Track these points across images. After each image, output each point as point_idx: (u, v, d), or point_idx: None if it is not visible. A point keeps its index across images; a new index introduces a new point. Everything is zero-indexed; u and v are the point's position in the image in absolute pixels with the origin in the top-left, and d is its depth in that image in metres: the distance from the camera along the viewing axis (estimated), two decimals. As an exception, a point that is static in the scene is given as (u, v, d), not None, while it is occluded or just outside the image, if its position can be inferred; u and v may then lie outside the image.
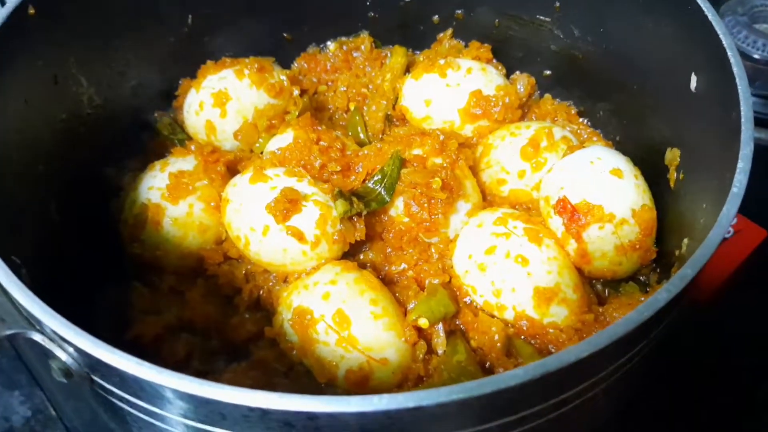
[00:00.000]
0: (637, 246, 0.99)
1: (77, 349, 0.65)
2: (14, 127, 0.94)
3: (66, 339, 0.64)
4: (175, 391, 0.59)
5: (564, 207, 1.03)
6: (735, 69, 0.84)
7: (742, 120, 0.79)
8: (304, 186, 1.04)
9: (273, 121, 1.19)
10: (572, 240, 1.02)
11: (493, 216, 1.05)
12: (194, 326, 1.00)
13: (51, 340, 0.69)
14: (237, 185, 1.06)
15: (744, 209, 1.20)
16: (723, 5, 1.55)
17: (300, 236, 1.00)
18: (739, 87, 0.82)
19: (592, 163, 1.04)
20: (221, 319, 1.03)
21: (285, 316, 0.98)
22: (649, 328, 0.67)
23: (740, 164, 0.75)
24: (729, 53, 0.85)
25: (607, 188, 1.01)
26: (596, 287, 1.07)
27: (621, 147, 1.21)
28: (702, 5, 0.91)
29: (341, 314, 0.93)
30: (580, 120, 1.29)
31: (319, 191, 1.04)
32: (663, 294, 0.64)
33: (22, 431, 1.14)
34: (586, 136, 1.26)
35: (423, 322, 0.97)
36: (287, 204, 1.00)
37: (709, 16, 0.89)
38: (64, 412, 1.16)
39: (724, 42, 0.86)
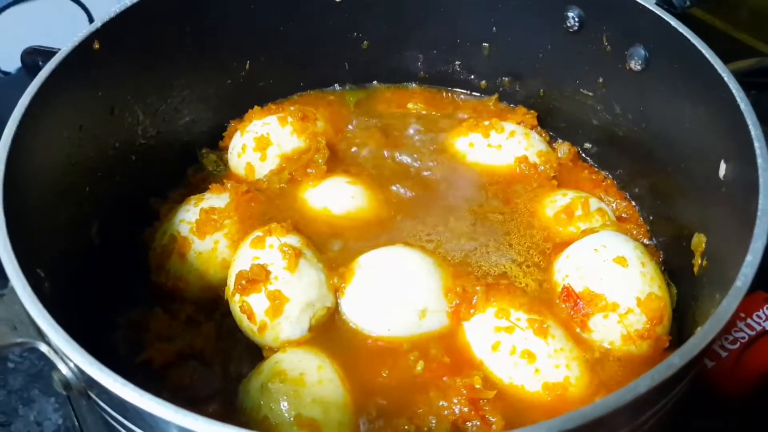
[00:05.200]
0: (645, 335, 0.97)
1: (75, 364, 0.69)
2: (66, 149, 1.01)
3: (65, 353, 0.68)
4: (151, 415, 0.62)
5: (568, 295, 1.02)
6: (759, 160, 0.82)
7: (759, 213, 0.77)
8: (280, 270, 1.01)
9: (294, 172, 1.22)
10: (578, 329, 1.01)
11: (492, 309, 1.02)
12: (204, 356, 1.02)
13: (55, 352, 0.73)
14: (247, 241, 1.07)
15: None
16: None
17: (250, 314, 0.99)
18: (761, 178, 0.80)
19: (597, 250, 1.03)
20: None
21: (254, 382, 0.95)
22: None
23: (749, 257, 0.73)
24: (756, 144, 0.84)
25: (610, 277, 1.00)
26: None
27: (654, 227, 1.20)
28: (736, 95, 0.90)
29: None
30: (618, 192, 1.28)
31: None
32: (643, 385, 0.63)
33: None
34: (624, 215, 1.24)
35: None
36: (245, 283, 0.99)
37: (742, 106, 0.89)
38: (86, 424, 1.21)
39: (752, 132, 0.85)
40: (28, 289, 0.72)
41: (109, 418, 0.74)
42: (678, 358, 0.65)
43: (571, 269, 1.05)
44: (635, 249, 1.03)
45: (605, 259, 1.01)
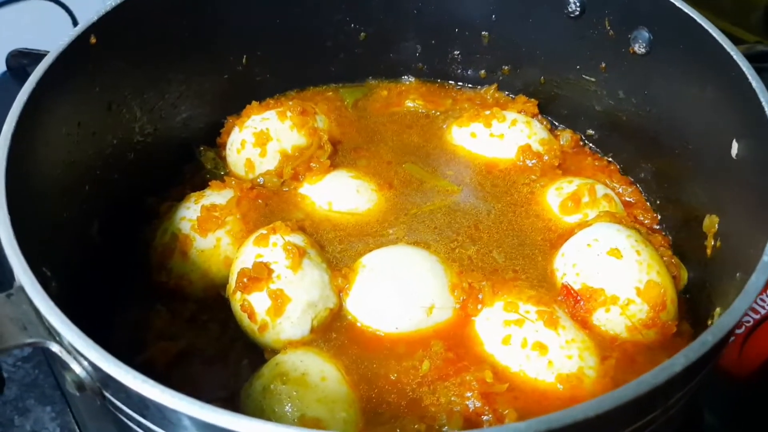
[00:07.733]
0: (650, 324, 0.96)
1: (90, 363, 0.66)
2: (65, 147, 0.98)
3: (80, 351, 0.66)
4: (174, 412, 0.60)
5: (567, 294, 1.01)
6: (775, 136, 0.82)
7: (779, 188, 0.77)
8: (283, 269, 0.99)
9: (297, 168, 1.20)
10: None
11: (500, 302, 1.01)
12: (208, 356, 1.00)
13: (68, 352, 0.70)
14: (251, 238, 1.06)
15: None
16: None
17: (251, 313, 0.97)
18: (777, 154, 0.80)
19: (589, 245, 1.03)
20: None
21: (255, 385, 0.92)
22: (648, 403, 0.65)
23: (773, 233, 0.73)
24: (771, 120, 0.84)
25: (606, 270, 0.99)
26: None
27: (661, 211, 1.20)
28: (747, 72, 0.90)
29: None
30: (622, 177, 1.27)
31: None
32: (678, 364, 0.62)
33: (48, 447, 1.16)
34: (630, 200, 1.24)
35: None
36: (247, 281, 0.97)
37: (753, 84, 0.88)
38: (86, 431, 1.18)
39: (766, 109, 0.85)
40: (39, 287, 0.70)
41: (124, 418, 0.72)
42: (711, 336, 0.65)
43: (568, 267, 1.04)
44: (628, 238, 1.02)
45: (599, 253, 1.01)
